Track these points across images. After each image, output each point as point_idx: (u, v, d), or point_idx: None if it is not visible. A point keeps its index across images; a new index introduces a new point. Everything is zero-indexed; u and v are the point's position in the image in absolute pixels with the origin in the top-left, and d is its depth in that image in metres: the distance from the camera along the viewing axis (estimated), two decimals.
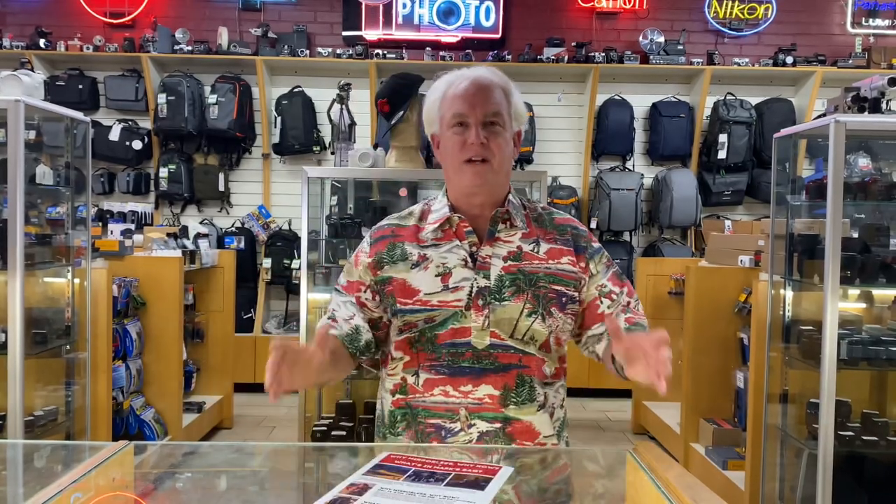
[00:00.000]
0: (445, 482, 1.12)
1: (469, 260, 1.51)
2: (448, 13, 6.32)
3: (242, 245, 6.10)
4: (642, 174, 6.28)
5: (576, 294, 1.54)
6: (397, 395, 1.54)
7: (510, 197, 1.57)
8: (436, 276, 1.50)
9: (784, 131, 3.30)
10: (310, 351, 1.32)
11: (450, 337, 1.48)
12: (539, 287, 1.49)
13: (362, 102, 5.79)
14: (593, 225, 6.23)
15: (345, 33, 6.46)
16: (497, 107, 1.50)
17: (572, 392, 5.76)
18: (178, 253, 4.34)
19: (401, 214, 1.63)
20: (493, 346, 1.47)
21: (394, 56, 6.14)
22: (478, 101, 1.49)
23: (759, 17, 6.53)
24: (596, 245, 1.60)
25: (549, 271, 1.52)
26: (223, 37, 6.22)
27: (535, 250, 1.53)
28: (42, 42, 6.13)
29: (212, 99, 6.03)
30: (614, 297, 1.57)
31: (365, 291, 1.57)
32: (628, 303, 1.59)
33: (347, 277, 1.61)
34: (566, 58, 6.21)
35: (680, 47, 6.30)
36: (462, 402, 1.46)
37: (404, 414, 1.52)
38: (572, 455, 1.54)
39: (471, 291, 1.48)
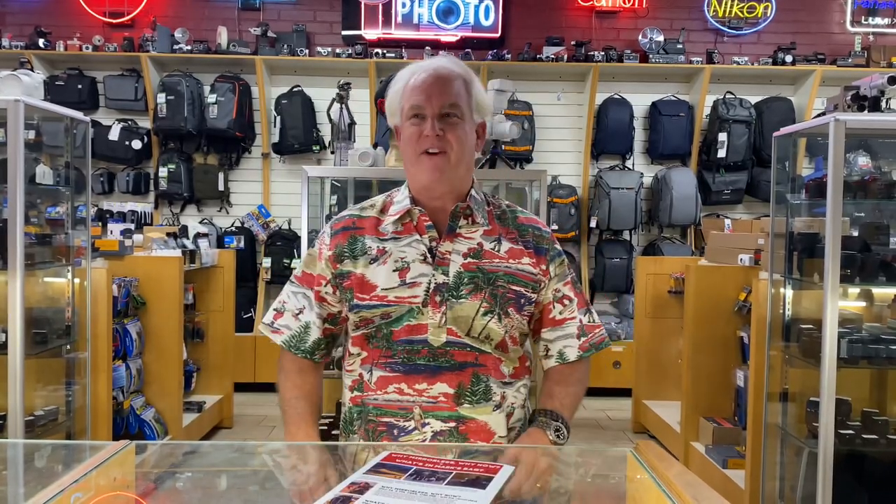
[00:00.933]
0: (446, 481, 1.12)
1: (428, 255, 1.48)
2: (447, 12, 6.32)
3: (242, 244, 6.10)
4: (642, 173, 6.27)
5: (534, 296, 1.52)
6: (355, 392, 1.52)
7: (472, 192, 1.54)
8: (393, 270, 1.47)
9: (784, 130, 3.30)
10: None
11: (406, 334, 1.45)
12: (497, 286, 1.47)
13: (362, 102, 5.79)
14: (593, 224, 6.23)
15: (344, 33, 6.46)
16: (454, 98, 1.47)
17: None
18: (178, 252, 4.33)
19: (362, 205, 1.60)
20: (450, 344, 1.45)
21: (393, 55, 6.14)
22: (434, 93, 1.46)
23: (759, 15, 6.53)
24: (557, 248, 1.59)
25: (509, 271, 1.49)
26: (222, 36, 6.22)
27: (496, 248, 1.51)
28: (41, 42, 6.13)
29: (211, 98, 6.03)
30: (566, 303, 1.56)
31: (325, 286, 1.55)
32: (581, 323, 1.56)
33: (305, 269, 1.58)
34: (566, 57, 6.21)
35: (679, 46, 6.29)
36: (416, 401, 1.44)
37: (360, 412, 1.50)
38: (573, 454, 1.54)
39: (428, 287, 1.46)
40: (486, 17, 6.34)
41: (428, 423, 1.43)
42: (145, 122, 6.26)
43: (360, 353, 1.51)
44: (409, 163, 1.51)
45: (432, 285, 1.46)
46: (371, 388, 1.48)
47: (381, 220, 1.54)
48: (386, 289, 1.47)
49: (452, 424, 1.43)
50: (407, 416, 1.44)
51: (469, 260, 1.48)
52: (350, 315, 1.51)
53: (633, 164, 6.42)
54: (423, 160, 1.46)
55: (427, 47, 6.26)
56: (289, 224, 6.31)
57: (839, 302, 2.76)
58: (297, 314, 1.57)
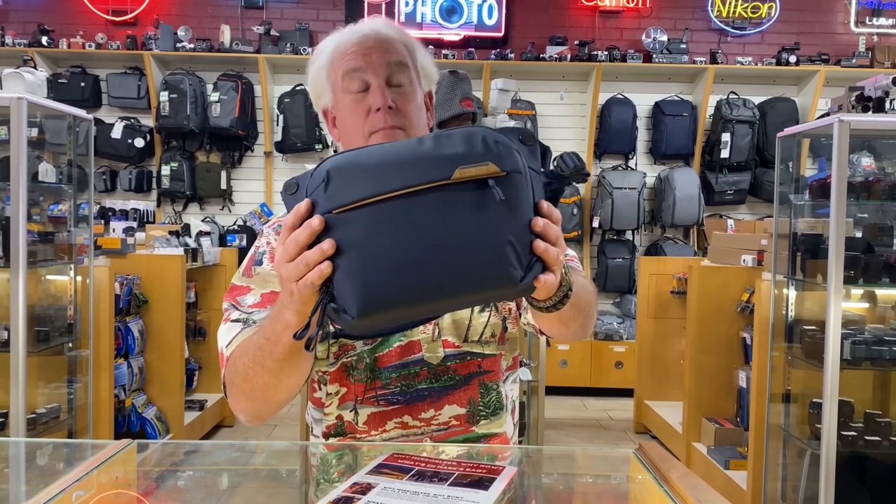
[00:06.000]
0: (449, 482, 1.11)
1: None
2: (450, 11, 6.31)
3: (244, 243, 6.10)
4: (645, 173, 6.27)
5: None
6: (331, 438, 1.28)
7: None
8: None
9: (787, 130, 3.29)
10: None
11: (397, 357, 1.22)
12: None
13: None
14: (595, 224, 6.22)
15: None
16: (401, 57, 1.21)
17: (574, 391, 5.79)
18: (180, 251, 4.33)
19: None
20: (448, 358, 1.23)
21: None
22: (375, 54, 1.19)
23: (763, 15, 6.51)
24: None
25: None
26: (225, 34, 6.22)
27: None
28: (44, 40, 6.13)
29: (214, 97, 6.03)
30: None
31: None
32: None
33: (264, 289, 1.21)
34: (569, 56, 6.20)
35: (683, 46, 6.28)
36: (426, 432, 1.23)
37: (341, 456, 1.25)
38: (575, 454, 1.54)
39: None
40: (490, 16, 6.33)
41: (443, 454, 1.23)
42: (148, 121, 6.26)
43: (337, 392, 1.25)
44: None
45: None
46: (359, 429, 1.24)
47: None
48: None
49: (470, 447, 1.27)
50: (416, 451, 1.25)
51: None
52: (320, 345, 1.22)
53: (636, 164, 6.41)
54: (373, 142, 1.16)
55: (430, 46, 6.26)
56: None
57: (842, 303, 2.76)
58: None
